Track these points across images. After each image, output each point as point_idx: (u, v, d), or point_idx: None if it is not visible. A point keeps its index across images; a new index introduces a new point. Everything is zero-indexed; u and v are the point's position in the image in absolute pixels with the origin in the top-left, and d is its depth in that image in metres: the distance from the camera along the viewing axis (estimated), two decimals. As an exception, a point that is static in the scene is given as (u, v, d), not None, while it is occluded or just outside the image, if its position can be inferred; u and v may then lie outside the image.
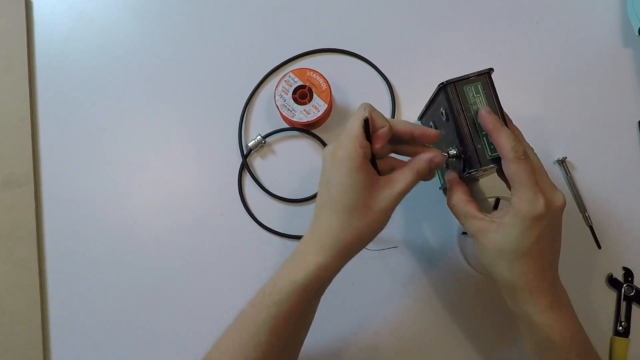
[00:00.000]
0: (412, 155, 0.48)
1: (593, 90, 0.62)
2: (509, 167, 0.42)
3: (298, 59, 0.64)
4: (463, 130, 0.46)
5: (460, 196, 0.47)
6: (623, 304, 0.57)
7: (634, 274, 0.58)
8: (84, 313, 0.59)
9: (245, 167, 0.61)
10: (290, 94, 0.59)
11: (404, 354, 0.57)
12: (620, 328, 0.57)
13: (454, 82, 0.47)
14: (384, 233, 0.58)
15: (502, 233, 0.43)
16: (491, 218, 0.44)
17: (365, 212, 0.43)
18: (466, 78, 0.47)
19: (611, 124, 0.61)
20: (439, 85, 0.48)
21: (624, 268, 0.58)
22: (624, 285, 0.57)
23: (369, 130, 0.44)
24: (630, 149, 0.60)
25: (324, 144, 0.61)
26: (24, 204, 0.60)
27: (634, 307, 0.57)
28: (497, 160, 0.45)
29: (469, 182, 0.59)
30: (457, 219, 0.47)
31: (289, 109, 0.58)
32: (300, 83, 0.59)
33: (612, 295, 0.58)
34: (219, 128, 0.62)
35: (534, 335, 0.45)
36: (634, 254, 0.58)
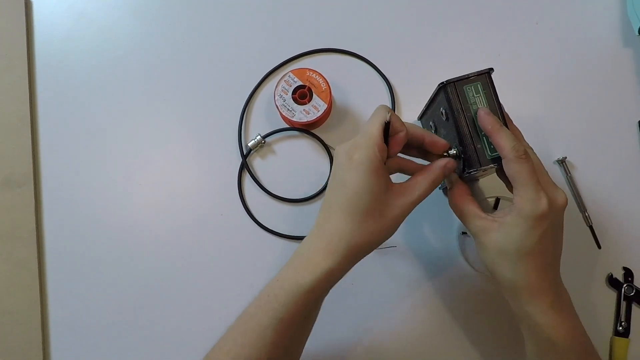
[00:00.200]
0: (416, 157, 0.48)
1: (593, 90, 0.62)
2: (510, 166, 0.42)
3: (298, 59, 0.64)
4: (463, 130, 0.46)
5: (462, 195, 0.47)
6: (623, 304, 0.57)
7: (634, 274, 0.58)
8: (84, 313, 0.59)
9: (245, 167, 0.61)
10: (290, 94, 0.59)
11: (403, 354, 0.57)
12: (620, 328, 0.57)
13: (454, 82, 0.47)
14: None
15: (504, 233, 0.43)
16: (493, 217, 0.44)
17: (378, 217, 0.43)
18: (466, 78, 0.47)
19: (611, 124, 0.61)
20: (438, 85, 0.48)
21: (624, 268, 0.58)
22: (624, 285, 0.57)
23: (388, 134, 0.44)
24: (630, 149, 0.60)
25: (324, 144, 0.61)
26: (23, 204, 0.60)
27: (634, 307, 0.57)
28: (497, 160, 0.45)
29: (469, 182, 0.59)
30: (459, 218, 0.47)
31: (288, 109, 0.58)
32: (300, 83, 0.59)
33: (612, 295, 0.58)
34: (219, 128, 0.62)
35: (535, 336, 0.45)
36: (634, 254, 0.58)
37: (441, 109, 0.49)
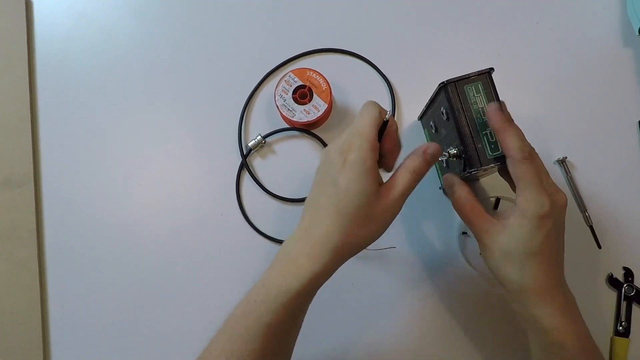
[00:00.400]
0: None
1: (593, 90, 0.62)
2: (515, 167, 0.42)
3: (298, 59, 0.64)
4: (463, 130, 0.46)
5: (465, 196, 0.46)
6: (623, 304, 0.57)
7: (634, 274, 0.58)
8: (84, 313, 0.59)
9: (244, 166, 0.61)
10: (290, 93, 0.59)
11: (403, 354, 0.57)
12: (621, 328, 0.57)
13: (454, 82, 0.47)
14: (384, 233, 0.58)
15: (508, 234, 0.42)
16: (496, 219, 0.44)
17: (367, 219, 0.41)
18: (467, 77, 0.47)
19: (611, 124, 0.61)
20: (439, 84, 0.48)
21: (624, 268, 0.58)
22: (624, 285, 0.57)
23: (384, 132, 0.43)
24: (630, 149, 0.60)
25: (324, 144, 0.61)
26: (24, 204, 0.60)
27: (634, 307, 0.57)
28: (498, 160, 0.45)
29: (470, 182, 0.59)
30: (462, 219, 0.47)
31: (289, 109, 0.58)
32: (300, 83, 0.59)
33: (612, 295, 0.58)
34: (219, 128, 0.62)
35: (543, 341, 0.44)
36: (634, 254, 0.58)
37: (442, 108, 0.49)
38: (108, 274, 0.60)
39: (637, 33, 0.60)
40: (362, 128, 0.42)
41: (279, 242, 0.60)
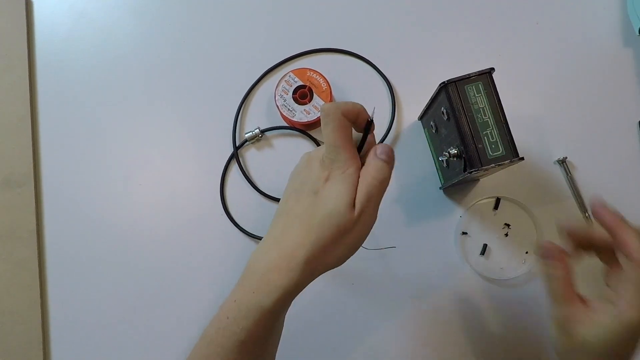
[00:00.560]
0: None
1: (593, 90, 0.62)
2: (631, 269, 0.38)
3: (297, 58, 0.64)
4: (464, 130, 0.46)
5: (563, 275, 0.42)
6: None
7: (634, 274, 0.58)
8: (84, 313, 0.59)
9: (235, 158, 0.61)
10: (290, 93, 0.59)
11: (403, 354, 0.57)
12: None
13: (455, 82, 0.47)
14: (384, 233, 0.58)
15: (595, 333, 0.39)
16: (587, 307, 0.40)
17: (349, 229, 0.38)
18: (467, 77, 0.47)
19: (611, 124, 0.61)
20: (440, 84, 0.48)
21: (625, 268, 0.58)
22: (625, 285, 0.57)
23: (367, 134, 0.41)
24: (630, 149, 0.60)
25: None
26: (24, 204, 0.60)
27: (635, 306, 0.57)
28: (498, 160, 0.46)
29: (469, 182, 0.59)
30: (550, 297, 0.42)
31: (289, 109, 0.58)
32: (301, 83, 0.59)
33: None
34: (220, 128, 0.62)
35: None
36: (634, 254, 0.58)
37: (442, 108, 0.49)
38: (108, 273, 0.60)
39: (637, 33, 0.60)
40: (336, 141, 0.38)
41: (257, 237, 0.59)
